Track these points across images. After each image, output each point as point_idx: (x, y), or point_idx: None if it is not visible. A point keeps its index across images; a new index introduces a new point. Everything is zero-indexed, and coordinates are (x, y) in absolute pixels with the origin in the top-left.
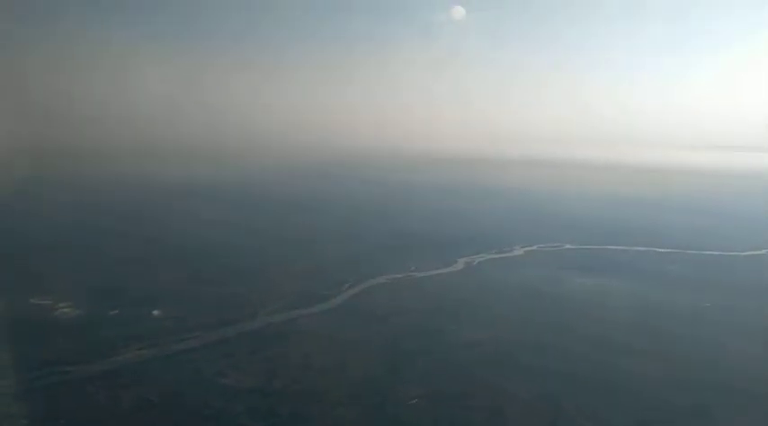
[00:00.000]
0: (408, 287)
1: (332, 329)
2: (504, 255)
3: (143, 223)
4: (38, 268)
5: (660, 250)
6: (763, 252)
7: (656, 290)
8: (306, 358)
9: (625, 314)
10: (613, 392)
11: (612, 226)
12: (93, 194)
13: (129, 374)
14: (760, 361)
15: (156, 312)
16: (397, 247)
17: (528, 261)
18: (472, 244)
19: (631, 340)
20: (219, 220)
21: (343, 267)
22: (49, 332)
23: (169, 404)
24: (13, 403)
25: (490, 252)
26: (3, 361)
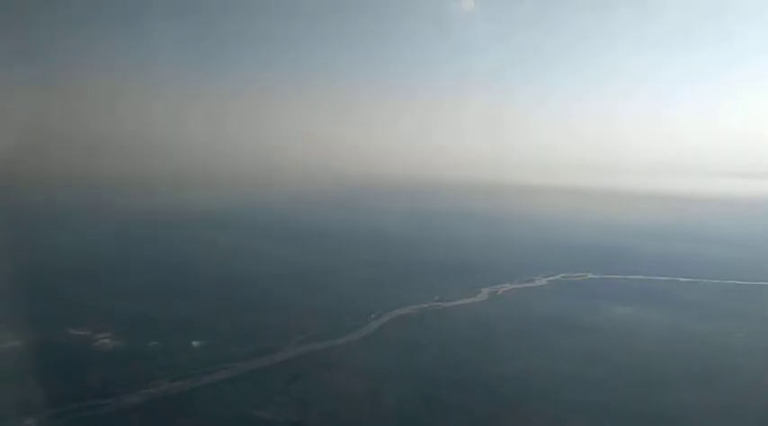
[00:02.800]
0: (435, 317)
1: (364, 360)
2: (528, 285)
3: (171, 252)
4: (71, 298)
5: (684, 279)
6: None
7: (688, 321)
8: (341, 389)
9: (667, 346)
10: None
11: (634, 255)
12: (117, 223)
13: (165, 407)
14: None
15: (195, 342)
16: (421, 276)
17: (554, 291)
18: (495, 273)
19: (677, 371)
20: (244, 249)
21: (368, 296)
22: (90, 363)
23: None
24: None
25: (513, 281)
26: (38, 395)
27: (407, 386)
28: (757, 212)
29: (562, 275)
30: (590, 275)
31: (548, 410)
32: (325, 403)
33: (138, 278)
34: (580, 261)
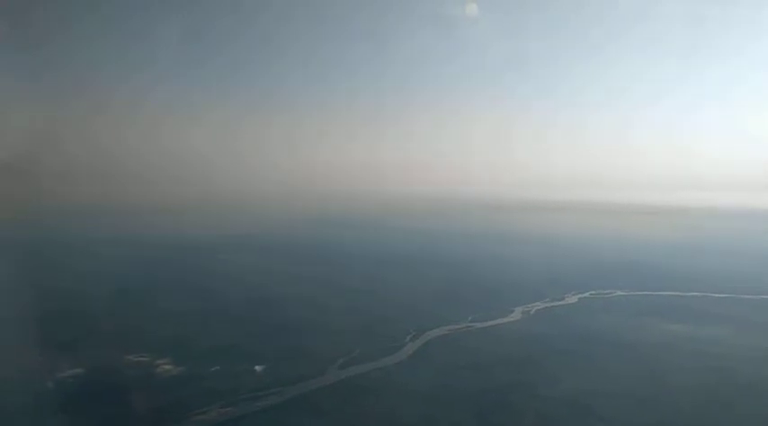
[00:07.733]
0: (472, 338)
1: (408, 382)
2: (560, 303)
3: (205, 277)
4: (121, 324)
5: (716, 295)
6: None
7: (732, 337)
8: (392, 412)
9: (718, 360)
10: None
11: (658, 271)
12: (144, 250)
13: None
14: None
15: (258, 367)
16: (450, 296)
17: (586, 309)
18: (523, 291)
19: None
20: (271, 272)
21: (402, 317)
22: (160, 389)
23: None
24: None
25: (544, 300)
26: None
27: (458, 410)
28: None
29: (591, 292)
30: (618, 292)
31: None
32: None
33: (177, 304)
34: (606, 277)
